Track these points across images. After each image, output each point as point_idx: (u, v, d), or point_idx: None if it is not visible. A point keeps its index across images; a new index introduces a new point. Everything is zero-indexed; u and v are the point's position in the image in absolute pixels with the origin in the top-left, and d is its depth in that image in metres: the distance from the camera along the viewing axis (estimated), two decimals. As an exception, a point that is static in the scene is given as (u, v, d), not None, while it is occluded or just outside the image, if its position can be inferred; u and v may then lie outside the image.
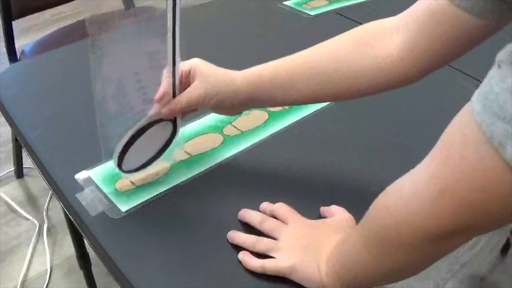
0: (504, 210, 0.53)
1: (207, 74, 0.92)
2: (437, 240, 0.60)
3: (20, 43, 2.18)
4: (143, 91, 0.93)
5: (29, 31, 3.40)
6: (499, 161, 0.50)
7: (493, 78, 0.51)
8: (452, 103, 1.22)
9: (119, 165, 0.94)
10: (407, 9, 0.88)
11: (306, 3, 1.75)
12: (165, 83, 0.90)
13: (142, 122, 0.92)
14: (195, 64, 0.93)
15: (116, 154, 0.92)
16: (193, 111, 0.97)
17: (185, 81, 0.93)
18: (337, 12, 1.70)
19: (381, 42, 0.89)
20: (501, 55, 0.50)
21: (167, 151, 1.00)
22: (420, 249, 0.63)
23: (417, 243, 0.62)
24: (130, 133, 0.91)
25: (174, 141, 0.99)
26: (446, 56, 0.86)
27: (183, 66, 0.92)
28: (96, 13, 0.91)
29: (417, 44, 0.85)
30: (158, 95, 0.90)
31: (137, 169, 0.98)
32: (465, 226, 0.57)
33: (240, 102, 0.95)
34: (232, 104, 0.95)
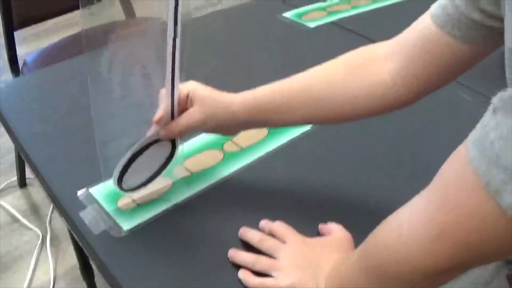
0: (500, 249, 0.55)
1: (205, 100, 0.94)
2: (435, 276, 0.62)
3: (22, 51, 2.19)
4: (141, 111, 0.95)
5: (31, 38, 3.41)
6: (495, 207, 0.51)
7: (488, 125, 0.52)
8: (450, 115, 1.24)
9: (119, 184, 0.95)
10: (400, 34, 0.90)
11: (305, 15, 1.77)
12: (164, 105, 0.91)
13: (141, 142, 0.93)
14: (194, 88, 0.94)
15: (115, 174, 0.93)
16: (190, 132, 0.98)
17: (183, 105, 0.94)
18: (336, 23, 1.72)
19: (374, 68, 0.91)
20: (496, 101, 0.51)
21: (167, 168, 1.01)
22: (418, 283, 0.64)
23: (416, 279, 0.64)
24: (129, 153, 0.92)
25: (173, 159, 1.00)
26: (438, 81, 0.88)
27: (182, 89, 0.93)
28: (94, 25, 0.92)
29: (409, 70, 0.87)
30: (156, 116, 0.91)
31: (136, 188, 0.99)
32: (463, 263, 0.60)
33: (237, 125, 0.97)
34: (229, 127, 0.97)
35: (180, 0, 0.80)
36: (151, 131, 0.93)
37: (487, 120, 0.52)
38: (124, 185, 0.96)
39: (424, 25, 0.85)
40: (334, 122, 1.00)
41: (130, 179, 0.96)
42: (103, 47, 0.90)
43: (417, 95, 0.90)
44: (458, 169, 0.56)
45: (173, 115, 0.93)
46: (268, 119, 0.96)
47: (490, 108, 0.52)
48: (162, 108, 0.91)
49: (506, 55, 0.56)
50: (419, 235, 0.61)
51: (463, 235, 0.56)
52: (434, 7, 0.84)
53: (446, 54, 0.82)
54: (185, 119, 0.93)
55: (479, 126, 0.54)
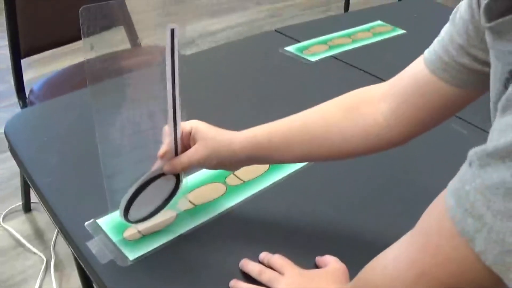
0: None
1: (208, 138, 0.98)
2: None
3: (29, 76, 2.23)
4: (147, 146, 0.99)
5: (38, 64, 3.45)
6: (471, 252, 0.54)
7: (464, 176, 0.55)
8: (445, 148, 1.27)
9: (125, 216, 0.99)
10: (395, 76, 0.95)
11: (307, 49, 1.81)
12: (167, 141, 0.96)
13: (146, 176, 0.97)
14: (196, 126, 0.98)
15: (122, 206, 0.97)
16: (193, 168, 1.02)
17: (186, 142, 0.99)
18: (336, 57, 1.76)
19: (369, 109, 0.95)
20: (471, 154, 0.55)
21: (172, 200, 1.05)
22: None
23: None
24: (135, 186, 0.96)
25: (178, 192, 1.04)
26: (430, 123, 0.92)
27: (184, 126, 0.98)
28: (100, 54, 0.95)
29: (402, 112, 0.91)
30: (160, 152, 0.96)
31: (142, 220, 1.03)
32: None
33: (239, 162, 1.01)
34: (231, 164, 1.01)
35: (176, 40, 0.86)
36: (155, 166, 0.98)
37: (464, 171, 0.56)
38: (130, 217, 1.00)
39: (417, 69, 0.89)
40: (331, 160, 1.04)
41: (136, 211, 1.00)
42: (107, 80, 0.94)
43: (410, 135, 0.94)
44: (438, 217, 0.59)
45: (177, 151, 0.98)
46: (267, 157, 1.01)
47: (467, 160, 0.56)
48: (166, 144, 0.96)
49: (491, 109, 0.60)
50: (402, 276, 0.64)
51: (443, 277, 0.59)
52: (427, 51, 0.88)
53: (437, 98, 0.86)
54: (187, 157, 0.97)
55: (457, 177, 0.57)
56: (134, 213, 1.00)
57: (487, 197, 0.52)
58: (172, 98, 0.91)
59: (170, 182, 1.02)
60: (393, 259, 0.68)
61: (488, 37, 0.69)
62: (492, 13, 0.64)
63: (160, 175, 0.99)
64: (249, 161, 1.02)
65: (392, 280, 0.66)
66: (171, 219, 1.07)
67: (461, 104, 0.88)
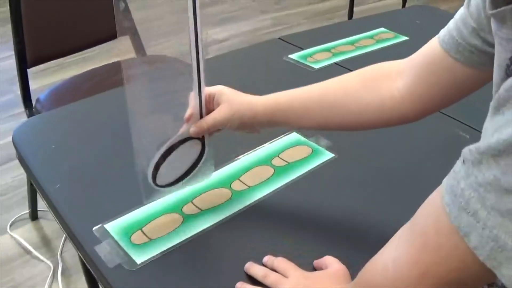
0: (480, 281, 0.61)
1: (231, 100, 1.03)
2: None
3: (34, 86, 2.25)
4: (173, 111, 1.03)
5: (44, 74, 3.47)
6: (471, 252, 0.56)
7: (459, 173, 0.57)
8: (447, 152, 1.26)
9: (154, 180, 1.02)
10: (412, 55, 0.98)
11: (310, 56, 1.83)
12: (193, 104, 1.00)
13: (173, 139, 1.01)
14: (220, 90, 1.04)
15: (150, 169, 1.01)
16: (217, 131, 1.06)
17: (210, 106, 1.04)
18: (340, 64, 1.78)
19: (386, 83, 0.98)
20: (465, 152, 0.57)
21: (197, 168, 1.08)
22: None
23: None
24: (163, 149, 1.00)
25: (203, 158, 1.08)
26: (442, 101, 0.94)
27: (208, 90, 1.02)
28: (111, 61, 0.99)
29: (415, 89, 0.94)
30: (186, 115, 1.01)
31: (170, 184, 1.06)
32: None
33: (260, 124, 1.05)
34: (252, 125, 1.05)
35: (198, 5, 0.92)
36: (182, 129, 1.02)
37: (458, 169, 0.58)
38: (158, 181, 1.03)
39: (431, 47, 0.93)
40: (346, 129, 1.07)
41: (164, 175, 1.03)
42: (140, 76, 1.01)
43: (422, 113, 0.97)
44: (435, 214, 0.61)
45: (202, 114, 1.02)
46: (287, 121, 1.05)
47: (461, 157, 0.57)
48: (191, 107, 1.01)
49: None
50: (405, 276, 0.66)
51: (444, 274, 0.61)
52: (442, 31, 0.92)
53: (449, 76, 0.89)
54: (212, 117, 1.02)
55: (451, 174, 0.59)
56: (162, 177, 1.03)
57: (481, 194, 0.53)
58: (196, 63, 0.96)
59: (196, 147, 1.06)
60: (393, 260, 0.69)
61: (492, 24, 0.72)
62: (499, 1, 0.67)
63: (186, 139, 1.03)
64: (269, 123, 1.05)
65: (393, 281, 0.68)
66: (177, 223, 1.08)
67: (471, 85, 0.90)
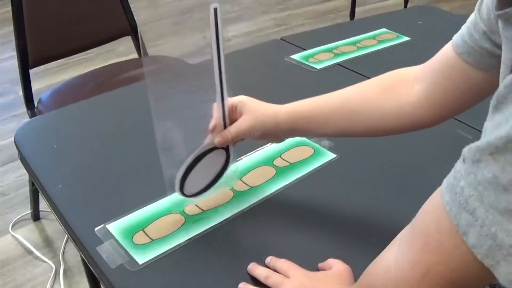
0: (482, 281, 0.60)
1: (254, 110, 1.05)
2: None
3: (36, 86, 2.25)
4: (198, 122, 1.06)
5: (46, 75, 3.48)
6: (470, 251, 0.56)
7: (459, 172, 0.57)
8: (449, 152, 1.26)
9: (181, 190, 1.06)
10: (429, 60, 0.99)
11: (312, 57, 1.83)
12: (216, 116, 1.03)
13: (199, 150, 1.04)
14: (243, 100, 1.06)
15: (177, 181, 1.03)
16: (241, 140, 1.09)
17: (233, 116, 1.06)
18: (341, 64, 1.78)
19: (404, 89, 0.99)
20: (465, 151, 0.57)
21: (223, 177, 1.12)
22: None
23: None
24: (189, 159, 1.03)
25: (228, 167, 1.11)
26: (458, 105, 0.96)
27: (231, 101, 1.05)
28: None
29: (431, 94, 0.96)
30: (210, 125, 1.04)
31: (197, 194, 1.09)
32: None
33: (282, 132, 1.07)
34: (275, 135, 1.08)
35: (220, 23, 0.93)
36: (207, 140, 1.05)
37: (459, 167, 0.58)
38: (185, 191, 1.07)
39: (445, 52, 0.94)
40: (366, 136, 1.08)
41: (191, 185, 1.06)
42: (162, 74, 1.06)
43: (439, 117, 0.99)
44: (435, 214, 0.61)
45: (225, 124, 1.05)
46: (308, 129, 1.06)
47: (461, 156, 0.57)
48: (215, 118, 1.04)
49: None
50: (407, 277, 0.65)
51: (446, 273, 0.61)
52: (455, 36, 0.93)
53: (463, 80, 0.90)
54: (235, 127, 1.04)
55: (452, 173, 0.59)
56: (189, 187, 1.06)
57: (480, 192, 0.53)
58: (218, 75, 0.99)
59: (221, 156, 1.09)
60: (394, 261, 0.69)
61: (499, 25, 0.73)
62: (505, 2, 0.68)
63: (211, 149, 1.06)
64: (291, 132, 1.07)
65: (396, 282, 0.68)
66: (179, 224, 1.08)
67: (486, 88, 0.90)
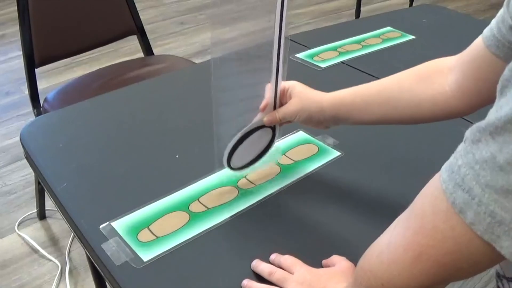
0: (475, 266, 0.61)
1: (302, 95, 1.12)
2: None
3: (42, 86, 2.26)
4: (250, 102, 1.14)
5: (52, 74, 3.50)
6: (465, 225, 0.57)
7: (459, 152, 0.58)
8: (452, 149, 1.28)
9: (228, 163, 1.14)
10: (464, 50, 1.02)
11: (317, 55, 1.83)
12: (268, 96, 1.11)
13: (249, 126, 1.12)
14: (293, 85, 1.13)
15: (226, 154, 1.12)
16: (287, 122, 1.16)
17: (283, 98, 1.13)
18: (346, 63, 1.78)
19: (438, 79, 1.02)
20: (467, 132, 0.58)
21: (266, 155, 1.20)
22: None
23: None
24: (239, 134, 1.11)
25: (272, 146, 1.19)
26: (489, 96, 0.95)
27: (283, 85, 1.12)
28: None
29: (463, 84, 0.98)
30: (262, 105, 1.12)
31: (242, 167, 1.17)
32: (442, 280, 0.65)
33: (325, 119, 1.12)
34: (319, 120, 1.12)
35: (285, 5, 1.02)
36: (257, 118, 1.13)
37: (459, 148, 0.59)
38: (232, 164, 1.15)
39: (476, 44, 0.96)
40: (403, 123, 1.11)
41: (238, 159, 1.14)
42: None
43: (471, 107, 1.00)
44: (434, 193, 0.62)
45: (275, 106, 1.13)
46: (350, 117, 1.10)
47: (463, 139, 0.58)
48: (267, 98, 1.12)
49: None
50: (400, 259, 0.66)
51: (440, 256, 0.61)
52: (486, 29, 0.94)
53: (491, 72, 0.91)
54: (283, 109, 1.12)
55: (453, 154, 0.60)
56: (235, 161, 1.14)
57: (476, 171, 0.54)
58: (276, 57, 1.06)
59: (267, 135, 1.17)
60: (388, 243, 0.70)
61: None
62: None
63: (259, 127, 1.14)
64: (333, 119, 1.12)
65: (389, 264, 0.68)
66: (184, 221, 1.09)
67: None
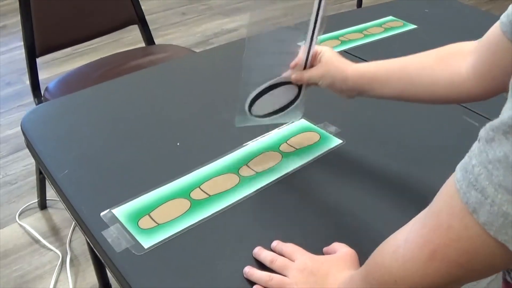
0: (490, 267, 0.60)
1: (329, 61, 1.16)
2: None
3: (43, 76, 2.25)
4: (283, 57, 1.19)
5: (53, 64, 3.49)
6: (481, 229, 0.56)
7: (473, 151, 0.57)
8: (456, 139, 1.29)
9: (249, 108, 1.18)
10: (484, 35, 1.02)
11: (319, 44, 1.82)
12: (300, 56, 1.16)
13: (277, 79, 1.18)
14: (325, 50, 1.18)
15: (250, 98, 1.16)
16: (313, 84, 1.19)
17: (313, 61, 1.18)
18: (348, 52, 1.77)
19: (457, 62, 1.04)
20: (481, 131, 0.56)
21: (289, 110, 1.24)
22: None
23: None
24: (266, 84, 1.16)
25: (295, 103, 1.23)
26: (503, 82, 0.95)
27: (316, 48, 1.16)
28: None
29: (479, 68, 0.99)
30: (293, 62, 1.17)
31: (262, 116, 1.21)
32: (457, 280, 0.64)
33: (348, 88, 1.15)
34: (341, 88, 1.16)
35: None
36: (286, 74, 1.18)
37: (474, 147, 0.58)
38: (252, 111, 1.19)
39: (494, 30, 0.96)
40: (420, 102, 1.12)
41: (259, 107, 1.19)
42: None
43: (487, 92, 1.00)
44: (448, 195, 0.61)
45: (305, 66, 1.17)
46: (371, 89, 1.13)
47: (478, 138, 0.57)
48: (299, 58, 1.17)
49: None
50: (415, 257, 0.65)
51: (454, 256, 0.60)
52: (503, 15, 0.94)
53: (507, 57, 0.91)
54: (310, 71, 1.17)
55: (468, 153, 0.59)
56: (257, 108, 1.19)
57: (490, 171, 0.53)
58: (314, 20, 1.11)
59: (293, 91, 1.22)
60: (404, 240, 0.69)
61: None
62: None
63: (287, 82, 1.19)
64: (356, 89, 1.15)
65: (404, 262, 0.68)
66: (185, 208, 1.08)
67: None
